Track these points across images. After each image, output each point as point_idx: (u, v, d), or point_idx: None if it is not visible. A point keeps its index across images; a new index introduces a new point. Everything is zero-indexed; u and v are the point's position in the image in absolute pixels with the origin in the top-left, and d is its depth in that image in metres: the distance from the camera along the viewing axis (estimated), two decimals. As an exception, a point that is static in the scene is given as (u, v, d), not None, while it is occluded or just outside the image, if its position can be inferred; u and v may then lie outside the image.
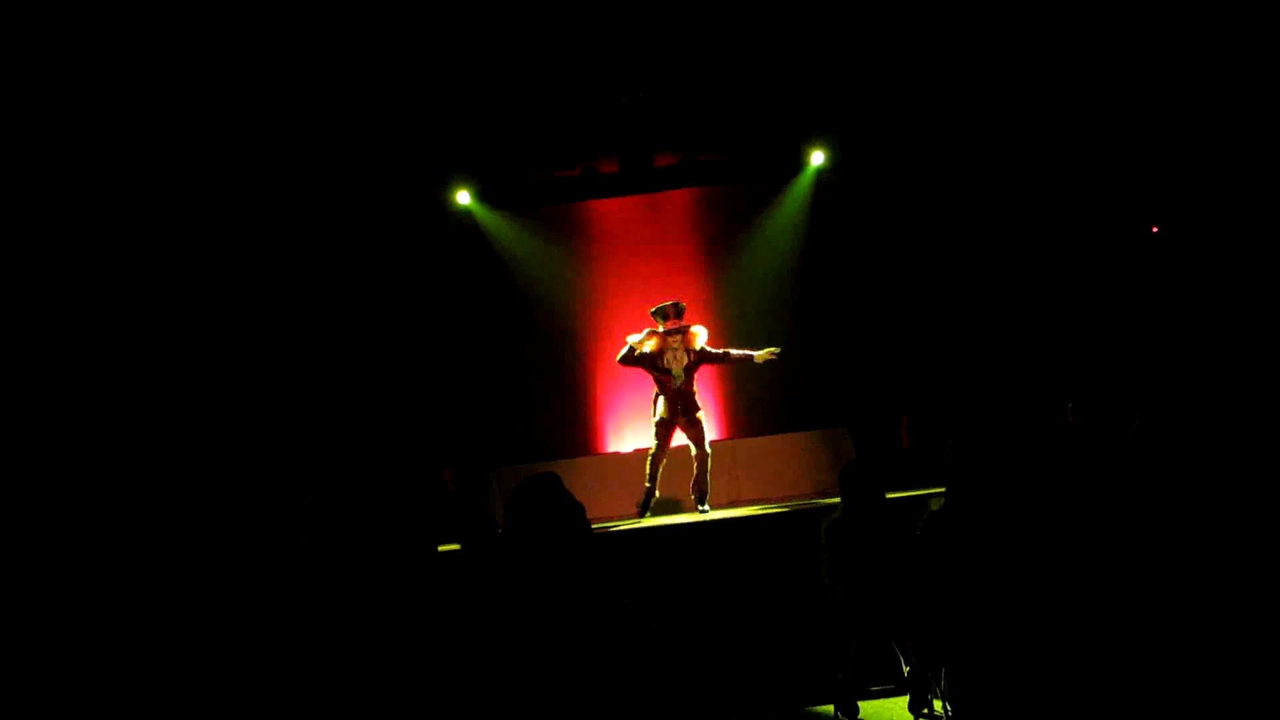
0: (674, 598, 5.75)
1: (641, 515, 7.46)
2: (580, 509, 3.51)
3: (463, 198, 9.43)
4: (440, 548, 5.46)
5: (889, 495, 5.25)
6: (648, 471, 7.53)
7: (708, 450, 7.41)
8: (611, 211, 9.84)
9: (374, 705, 3.78)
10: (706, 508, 7.32)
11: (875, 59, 8.69)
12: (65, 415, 7.66)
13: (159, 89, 7.87)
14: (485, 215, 9.61)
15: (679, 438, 7.54)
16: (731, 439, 9.27)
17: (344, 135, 8.68)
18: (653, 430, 7.52)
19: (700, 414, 7.42)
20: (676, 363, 7.33)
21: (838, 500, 5.04)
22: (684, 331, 7.37)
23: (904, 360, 9.21)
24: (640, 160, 9.34)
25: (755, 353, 7.40)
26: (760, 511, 6.74)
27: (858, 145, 9.32)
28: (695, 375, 7.42)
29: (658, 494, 7.55)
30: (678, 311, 7.45)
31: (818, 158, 9.39)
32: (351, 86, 8.36)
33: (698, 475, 7.40)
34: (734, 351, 7.47)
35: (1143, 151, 8.64)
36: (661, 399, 7.44)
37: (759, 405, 9.50)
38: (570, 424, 9.56)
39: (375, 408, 9.00)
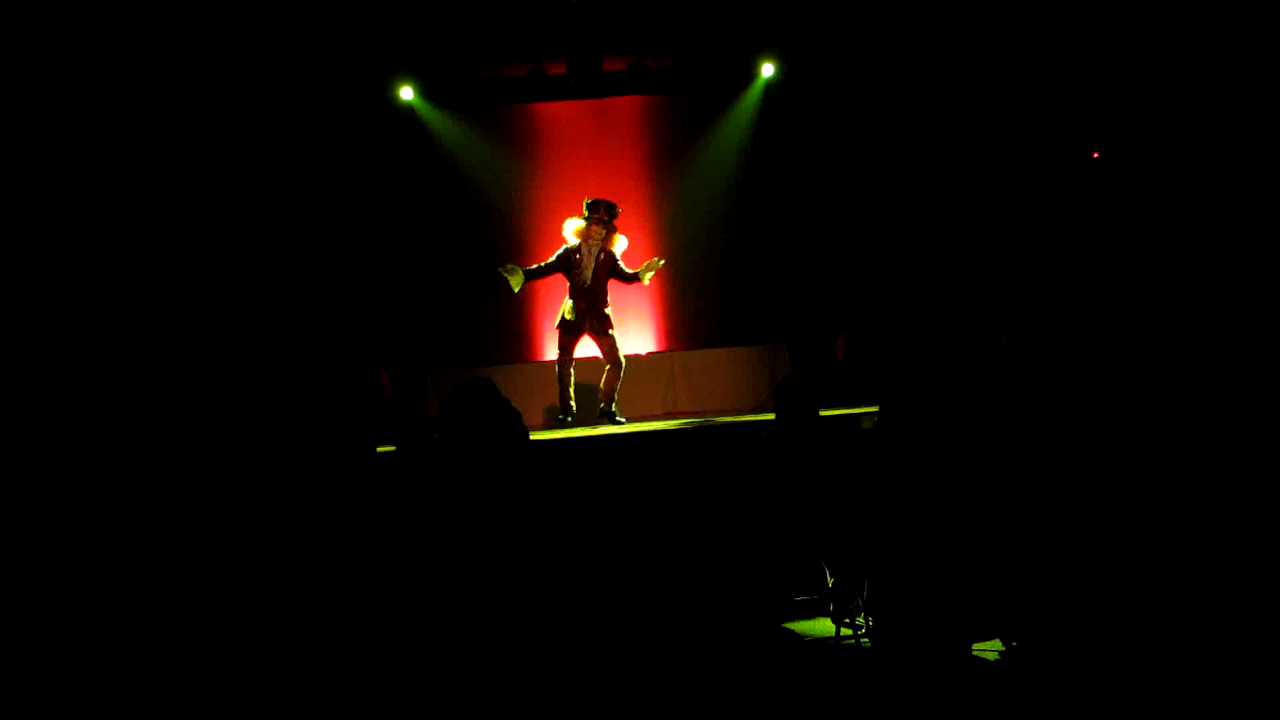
0: (605, 508, 5.81)
1: (564, 426, 7.37)
2: (516, 414, 3.51)
3: (405, 93, 9.16)
4: (377, 449, 5.43)
5: (823, 413, 5.32)
6: (560, 385, 7.43)
7: (621, 361, 7.34)
8: (557, 116, 9.65)
9: (300, 602, 3.78)
10: (622, 419, 7.32)
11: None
12: None
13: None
14: (429, 113, 9.36)
15: (589, 348, 7.43)
16: (669, 351, 9.30)
17: (284, 21, 8.31)
18: (557, 337, 7.40)
19: (613, 330, 7.34)
20: (589, 255, 7.26)
21: (773, 416, 5.09)
22: (607, 231, 7.29)
23: (844, 278, 9.25)
24: (589, 63, 9.14)
25: (644, 275, 7.26)
26: (695, 424, 6.79)
27: (808, 59, 9.22)
28: (606, 284, 7.31)
29: (574, 405, 7.44)
30: (609, 211, 7.33)
31: (768, 70, 9.28)
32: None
33: (605, 387, 7.34)
34: (629, 272, 7.32)
35: (1088, 77, 8.64)
36: (568, 300, 7.32)
37: (698, 318, 9.53)
38: (510, 330, 9.49)
39: (311, 306, 8.82)
